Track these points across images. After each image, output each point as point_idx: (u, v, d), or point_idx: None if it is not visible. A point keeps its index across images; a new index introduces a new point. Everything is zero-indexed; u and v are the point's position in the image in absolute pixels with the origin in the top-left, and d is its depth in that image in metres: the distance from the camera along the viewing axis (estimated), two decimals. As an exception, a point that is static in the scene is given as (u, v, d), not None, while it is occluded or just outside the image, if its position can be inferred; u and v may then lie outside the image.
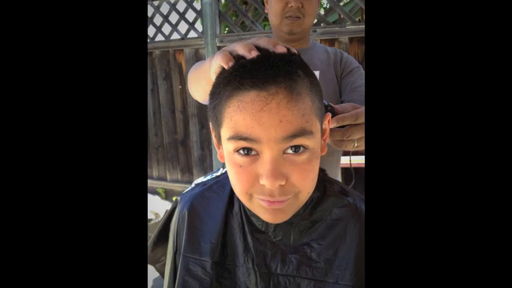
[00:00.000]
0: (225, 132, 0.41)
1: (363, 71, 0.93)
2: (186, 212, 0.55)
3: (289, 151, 0.40)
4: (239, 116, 0.39)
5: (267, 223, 0.50)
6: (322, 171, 0.55)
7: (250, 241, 0.50)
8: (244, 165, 0.41)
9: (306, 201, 0.49)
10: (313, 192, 0.49)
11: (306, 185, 0.43)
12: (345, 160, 2.03)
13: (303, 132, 0.39)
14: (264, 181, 0.40)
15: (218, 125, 0.43)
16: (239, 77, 0.39)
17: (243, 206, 0.52)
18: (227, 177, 0.57)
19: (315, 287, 0.47)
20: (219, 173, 0.63)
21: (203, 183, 0.61)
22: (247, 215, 0.52)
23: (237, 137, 0.39)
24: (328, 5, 2.06)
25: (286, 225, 0.49)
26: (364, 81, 0.88)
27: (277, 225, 0.50)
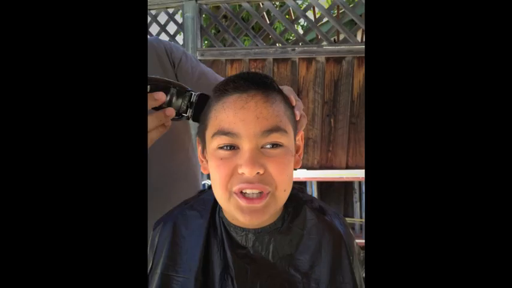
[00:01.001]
0: (210, 131, 0.47)
1: (189, 55, 0.82)
2: (168, 230, 0.55)
3: (267, 146, 0.45)
4: (223, 114, 0.45)
5: (246, 237, 0.51)
6: (301, 191, 0.58)
7: (230, 257, 0.50)
8: (225, 157, 0.45)
9: (284, 216, 0.52)
10: (291, 207, 0.52)
11: (282, 177, 0.46)
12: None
13: (277, 129, 0.45)
14: (243, 169, 0.43)
15: (204, 129, 0.49)
16: (224, 85, 0.47)
17: (223, 222, 0.53)
18: (209, 194, 0.58)
19: None
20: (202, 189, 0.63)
21: (184, 202, 0.61)
22: (227, 230, 0.52)
23: (220, 132, 0.45)
24: (306, 24, 2.15)
25: (265, 241, 0.50)
26: (198, 65, 0.81)
27: (256, 240, 0.51)
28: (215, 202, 0.55)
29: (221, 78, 0.82)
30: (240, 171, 0.44)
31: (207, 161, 0.50)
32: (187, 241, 0.53)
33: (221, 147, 0.46)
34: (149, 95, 0.50)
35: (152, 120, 0.50)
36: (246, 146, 0.44)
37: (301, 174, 2.05)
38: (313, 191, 2.04)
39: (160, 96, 0.50)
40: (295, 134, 0.51)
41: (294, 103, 0.52)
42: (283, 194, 0.47)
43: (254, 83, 0.46)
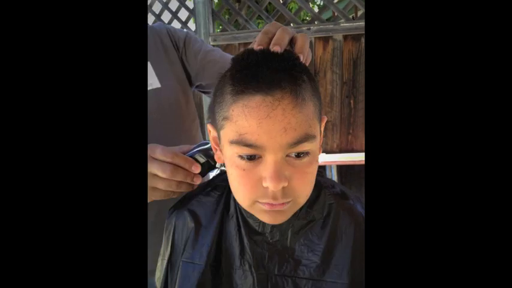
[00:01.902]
0: (228, 134, 0.41)
1: (193, 36, 0.79)
2: (184, 218, 0.55)
3: (292, 155, 0.41)
4: (244, 122, 0.38)
5: (263, 224, 0.49)
6: (320, 176, 0.55)
7: (247, 243, 0.50)
8: (248, 169, 0.41)
9: None
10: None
11: (305, 187, 0.43)
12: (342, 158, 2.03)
13: (306, 138, 0.40)
14: (268, 183, 0.40)
15: (220, 127, 0.43)
16: (244, 80, 0.38)
17: (239, 208, 0.52)
18: (223, 180, 0.57)
19: (313, 286, 0.47)
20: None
21: (199, 188, 0.60)
22: (243, 217, 0.51)
23: (241, 143, 0.39)
24: (322, 2, 2.05)
25: (282, 226, 0.49)
26: (204, 46, 0.78)
27: (273, 226, 0.49)
28: (230, 189, 0.54)
29: (227, 55, 0.78)
30: (264, 184, 0.40)
31: (221, 151, 0.47)
32: (203, 228, 0.53)
33: (241, 157, 0.41)
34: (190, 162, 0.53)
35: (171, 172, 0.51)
36: (270, 158, 0.40)
37: (320, 159, 2.00)
38: (333, 175, 1.99)
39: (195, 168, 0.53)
40: (321, 128, 0.46)
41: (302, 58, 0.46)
42: (304, 199, 0.45)
43: (281, 80, 0.38)
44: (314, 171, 0.44)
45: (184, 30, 0.80)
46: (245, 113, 0.38)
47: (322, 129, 0.49)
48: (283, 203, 0.42)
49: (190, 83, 0.80)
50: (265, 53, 0.41)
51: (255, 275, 0.48)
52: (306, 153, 0.41)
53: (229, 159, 0.43)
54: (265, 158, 0.40)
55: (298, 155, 0.41)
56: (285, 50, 0.45)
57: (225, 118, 0.41)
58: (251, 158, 0.41)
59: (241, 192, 0.44)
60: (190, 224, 0.54)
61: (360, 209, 0.51)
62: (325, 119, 0.48)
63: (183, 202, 0.57)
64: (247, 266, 0.49)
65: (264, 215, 0.45)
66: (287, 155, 0.41)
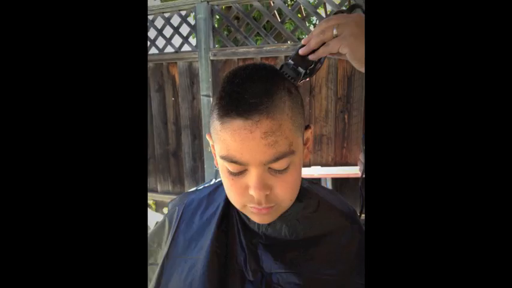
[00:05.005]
0: (218, 149, 0.47)
1: None
2: (181, 215, 0.58)
3: (273, 168, 0.46)
4: (230, 141, 0.43)
5: (259, 224, 0.54)
6: (310, 184, 0.60)
7: (244, 242, 0.53)
8: (236, 178, 0.47)
9: (294, 203, 0.54)
10: (300, 195, 0.54)
11: (287, 195, 0.49)
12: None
13: (285, 154, 0.44)
14: (252, 192, 0.46)
15: (214, 139, 0.48)
16: (226, 107, 0.43)
17: (237, 210, 0.56)
18: (221, 183, 0.60)
19: (306, 280, 0.50)
20: (211, 183, 0.66)
21: (197, 191, 0.63)
22: (241, 218, 0.55)
23: (228, 159, 0.45)
24: (318, 21, 2.14)
25: (277, 226, 0.53)
26: None
27: (268, 226, 0.53)
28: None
29: None
30: (250, 192, 0.46)
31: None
32: (202, 226, 0.56)
33: (229, 170, 0.47)
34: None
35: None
36: (253, 171, 0.45)
37: (315, 171, 2.04)
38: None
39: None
40: (304, 133, 0.50)
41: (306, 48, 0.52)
42: (288, 203, 0.51)
43: (258, 104, 0.42)
44: (296, 179, 0.49)
45: None
46: (230, 133, 0.43)
47: (310, 136, 0.52)
48: (267, 208, 0.48)
49: None
50: (248, 74, 0.45)
51: (251, 272, 0.51)
52: (286, 167, 0.46)
53: (221, 169, 0.49)
54: (250, 170, 0.45)
55: (279, 168, 0.45)
56: (267, 65, 0.49)
57: (216, 134, 0.46)
58: (238, 171, 0.46)
59: (232, 196, 0.50)
60: (190, 222, 0.57)
61: (344, 204, 0.57)
62: (310, 129, 0.52)
63: (182, 202, 0.61)
64: (244, 264, 0.52)
65: (254, 215, 0.51)
66: (269, 167, 0.45)
